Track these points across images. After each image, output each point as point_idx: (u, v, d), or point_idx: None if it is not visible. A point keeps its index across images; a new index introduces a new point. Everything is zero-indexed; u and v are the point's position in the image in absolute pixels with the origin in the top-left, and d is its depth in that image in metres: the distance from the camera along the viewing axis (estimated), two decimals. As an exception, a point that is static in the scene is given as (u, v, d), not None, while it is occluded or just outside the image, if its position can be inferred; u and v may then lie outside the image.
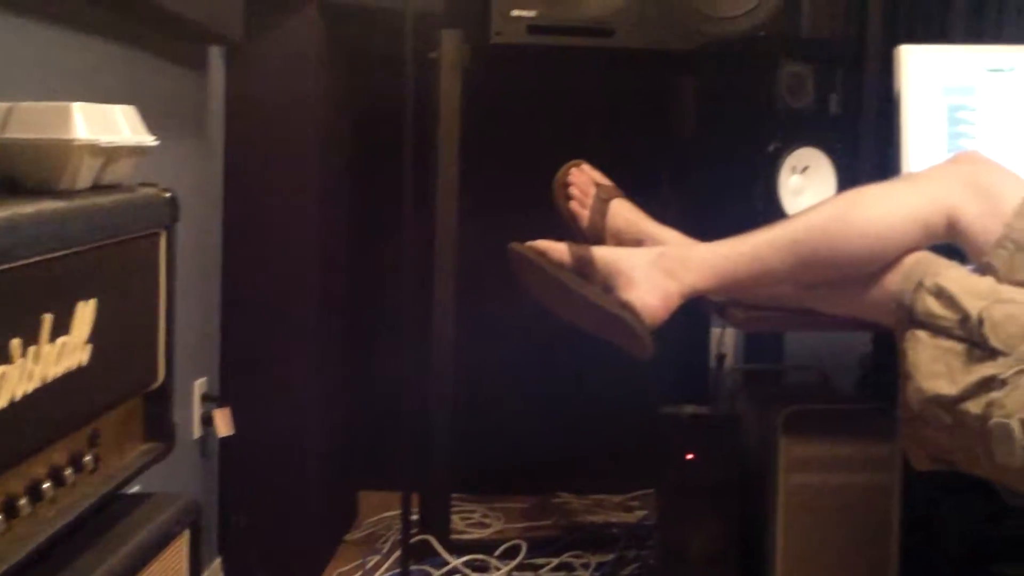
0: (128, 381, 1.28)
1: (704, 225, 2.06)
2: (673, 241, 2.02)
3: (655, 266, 1.84)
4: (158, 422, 1.37)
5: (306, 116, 2.38)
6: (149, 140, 1.29)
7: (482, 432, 2.83)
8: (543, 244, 1.88)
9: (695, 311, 1.95)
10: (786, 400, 2.20)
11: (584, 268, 1.86)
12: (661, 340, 1.83)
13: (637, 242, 2.04)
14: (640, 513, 2.93)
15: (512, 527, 2.84)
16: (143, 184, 1.34)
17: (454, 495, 2.71)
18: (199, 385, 2.22)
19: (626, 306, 1.79)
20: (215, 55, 2.30)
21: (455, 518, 2.75)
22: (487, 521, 2.87)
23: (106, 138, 1.19)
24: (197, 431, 2.23)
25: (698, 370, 2.96)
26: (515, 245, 1.89)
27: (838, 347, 2.72)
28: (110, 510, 1.27)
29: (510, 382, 2.95)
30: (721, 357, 2.79)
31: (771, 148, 2.18)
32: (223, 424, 2.23)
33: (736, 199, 2.26)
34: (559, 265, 1.86)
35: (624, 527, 2.83)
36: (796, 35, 2.50)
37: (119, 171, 1.26)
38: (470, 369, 2.61)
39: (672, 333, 1.85)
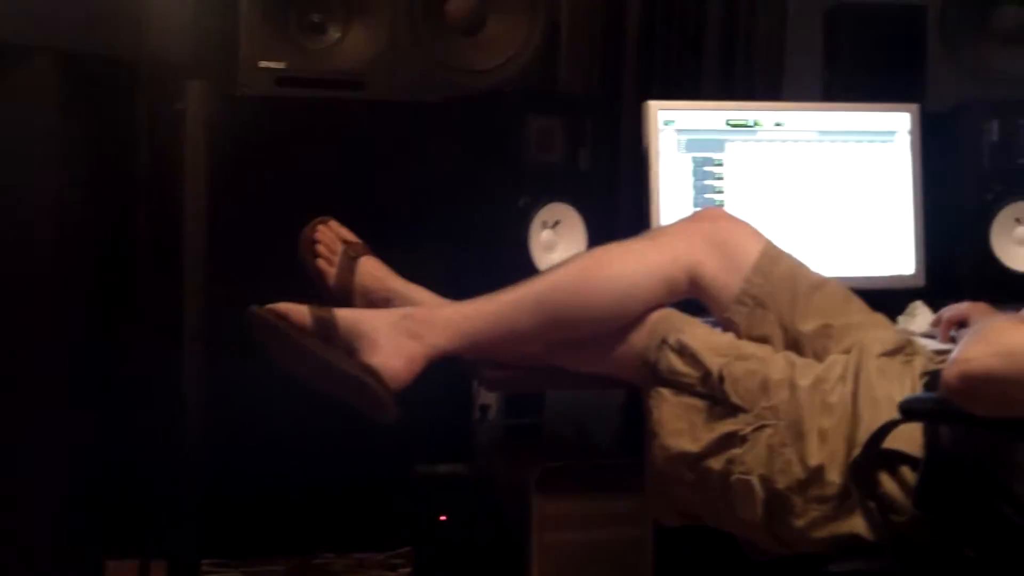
0: None
1: (458, 282, 2.04)
2: (422, 300, 1.99)
3: (398, 328, 1.81)
4: None
5: (39, 172, 2.26)
6: None
7: (237, 492, 2.73)
8: (284, 307, 1.83)
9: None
10: (540, 457, 2.20)
11: (326, 331, 1.82)
12: (425, 392, 1.80)
13: (386, 301, 2.01)
14: (404, 571, 2.87)
15: (270, 591, 2.76)
16: None
17: (205, 560, 2.60)
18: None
19: (368, 370, 1.76)
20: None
21: (208, 585, 2.65)
22: (244, 586, 2.78)
23: None
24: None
25: (463, 424, 2.92)
26: (255, 308, 1.83)
27: (601, 398, 2.73)
28: None
29: (266, 440, 2.85)
30: (484, 409, 2.77)
31: (521, 203, 2.18)
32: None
33: (489, 255, 2.25)
34: (301, 329, 1.81)
35: (386, 586, 2.78)
36: (548, 89, 2.51)
37: None
38: (223, 427, 2.52)
39: (436, 386, 1.82)
